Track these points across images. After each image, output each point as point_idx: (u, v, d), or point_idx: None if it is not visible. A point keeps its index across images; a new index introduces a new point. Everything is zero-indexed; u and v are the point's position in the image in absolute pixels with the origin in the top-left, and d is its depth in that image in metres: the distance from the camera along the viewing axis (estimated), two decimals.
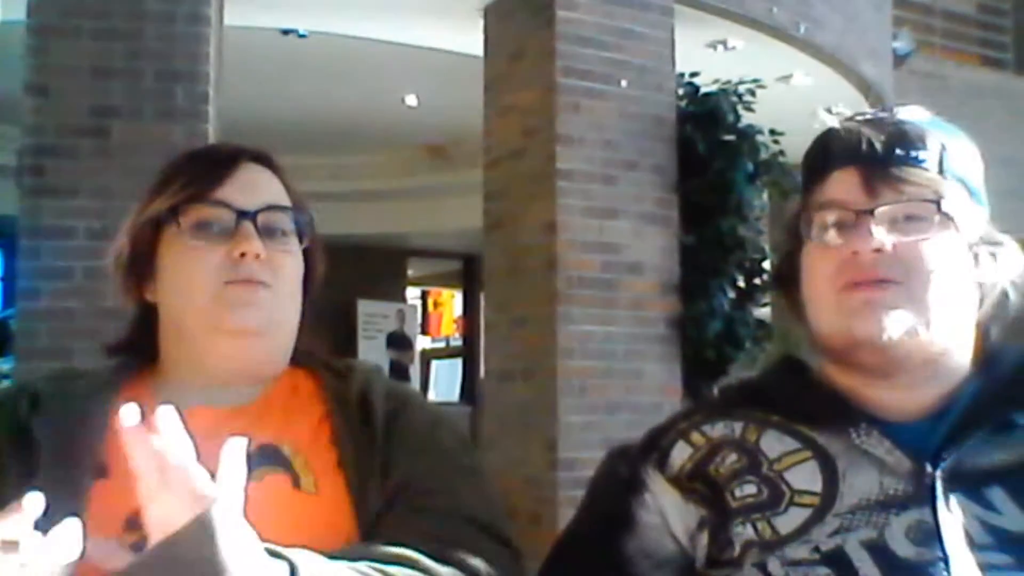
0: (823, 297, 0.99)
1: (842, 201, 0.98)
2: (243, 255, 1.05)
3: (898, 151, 0.97)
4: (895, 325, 0.94)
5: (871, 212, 0.95)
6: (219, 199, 1.07)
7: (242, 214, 1.06)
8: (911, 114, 1.03)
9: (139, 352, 1.14)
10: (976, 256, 0.98)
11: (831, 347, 1.00)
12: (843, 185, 0.98)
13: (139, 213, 1.10)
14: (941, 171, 0.98)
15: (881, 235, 0.95)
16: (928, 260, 0.95)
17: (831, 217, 0.99)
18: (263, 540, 0.91)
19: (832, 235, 0.98)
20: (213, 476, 0.95)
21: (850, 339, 0.96)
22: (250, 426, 1.02)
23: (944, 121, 1.04)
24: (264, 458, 1.01)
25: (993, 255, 0.99)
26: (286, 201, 1.11)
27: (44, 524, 0.89)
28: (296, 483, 1.01)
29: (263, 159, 1.13)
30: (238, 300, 1.05)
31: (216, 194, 1.07)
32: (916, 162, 0.97)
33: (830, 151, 1.01)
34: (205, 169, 1.09)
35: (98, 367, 1.14)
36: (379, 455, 1.03)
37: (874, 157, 0.97)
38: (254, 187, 1.09)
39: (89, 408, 1.04)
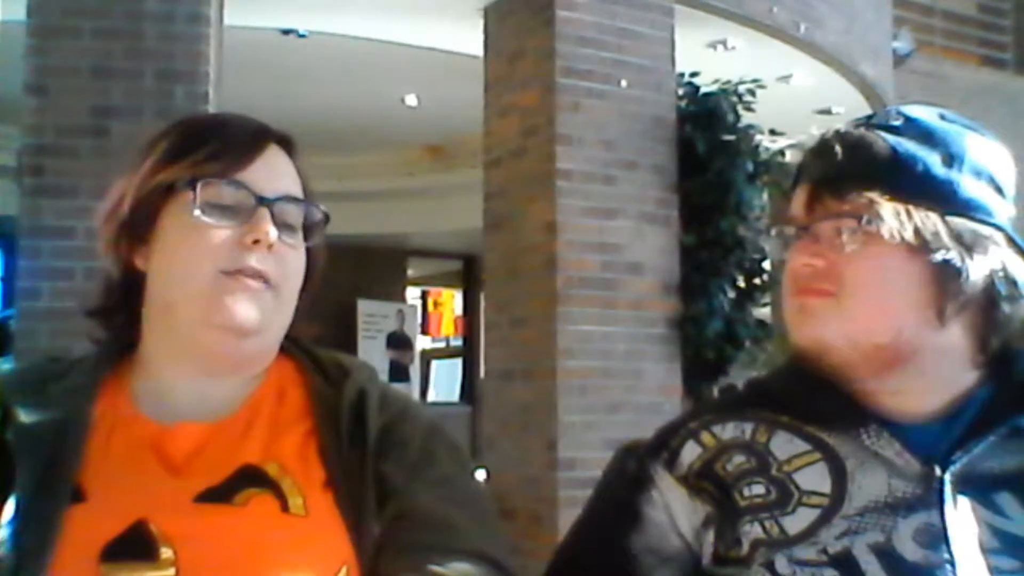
0: (783, 306, 1.05)
1: (792, 217, 1.04)
2: (256, 242, 0.99)
3: (838, 167, 0.99)
4: (824, 331, 0.98)
5: (807, 228, 1.01)
6: (242, 180, 1.01)
7: (261, 199, 1.00)
8: (893, 118, 1.01)
9: (119, 322, 1.07)
10: (932, 262, 0.96)
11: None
12: (796, 201, 1.04)
13: (151, 173, 1.02)
14: (889, 184, 0.96)
15: (810, 250, 1.00)
16: (855, 273, 0.97)
17: (786, 231, 1.05)
18: (253, 571, 0.90)
19: (791, 247, 1.04)
20: (200, 495, 0.94)
21: (797, 344, 1.02)
22: (234, 444, 0.99)
23: (941, 123, 1.02)
24: (247, 480, 0.96)
25: (954, 259, 0.96)
26: (300, 193, 1.06)
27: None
28: (284, 506, 0.95)
29: (286, 143, 1.08)
30: (238, 295, 0.98)
31: (240, 175, 1.01)
32: (853, 178, 0.98)
33: (801, 166, 1.06)
34: (233, 145, 1.03)
35: (76, 358, 1.07)
36: (370, 473, 0.99)
37: (818, 174, 1.01)
38: (275, 173, 1.04)
39: (65, 421, 0.97)
